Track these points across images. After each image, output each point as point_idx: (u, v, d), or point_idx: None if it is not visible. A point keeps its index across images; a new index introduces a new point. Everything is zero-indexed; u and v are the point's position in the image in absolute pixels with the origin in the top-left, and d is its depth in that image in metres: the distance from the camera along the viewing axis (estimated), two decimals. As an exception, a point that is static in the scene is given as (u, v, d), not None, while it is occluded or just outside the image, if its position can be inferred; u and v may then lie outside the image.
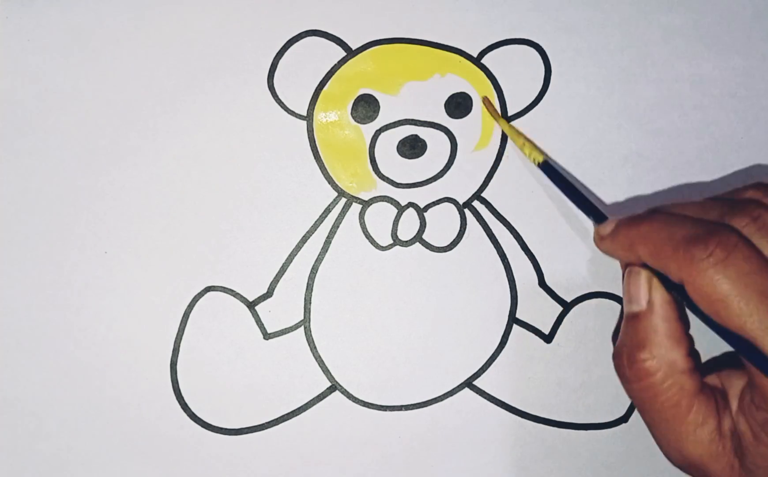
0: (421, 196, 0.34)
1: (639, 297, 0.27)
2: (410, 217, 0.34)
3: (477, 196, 0.35)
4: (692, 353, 0.27)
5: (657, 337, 0.27)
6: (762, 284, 0.24)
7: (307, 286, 0.34)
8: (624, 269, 0.29)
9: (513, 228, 0.35)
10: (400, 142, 0.34)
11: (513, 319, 0.35)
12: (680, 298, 0.26)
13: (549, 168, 0.33)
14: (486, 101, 0.34)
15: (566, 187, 0.32)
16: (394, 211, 0.34)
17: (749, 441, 0.25)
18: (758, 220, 0.25)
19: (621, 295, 0.33)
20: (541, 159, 0.33)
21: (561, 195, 0.34)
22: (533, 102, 0.35)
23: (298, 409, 0.34)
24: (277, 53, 0.34)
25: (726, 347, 0.29)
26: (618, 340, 0.29)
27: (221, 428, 0.34)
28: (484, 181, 0.35)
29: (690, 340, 0.27)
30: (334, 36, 0.34)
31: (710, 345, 0.28)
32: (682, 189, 0.35)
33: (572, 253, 0.35)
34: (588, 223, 0.35)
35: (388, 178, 0.34)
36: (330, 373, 0.34)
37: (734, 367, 0.28)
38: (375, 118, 0.34)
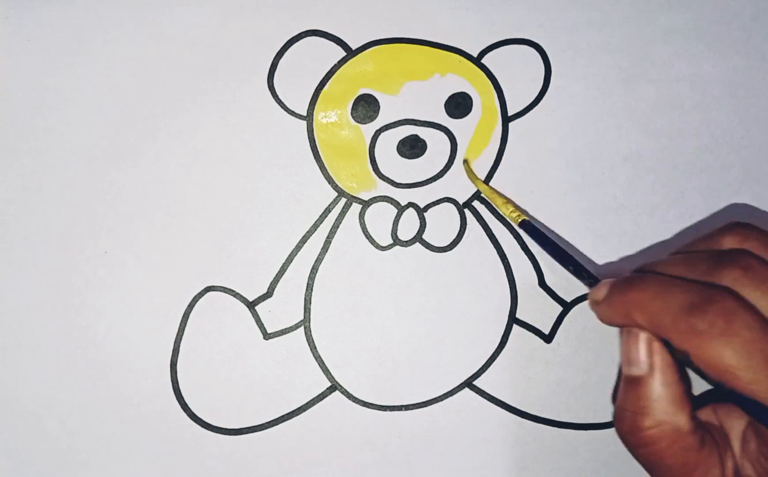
0: (421, 196, 0.34)
1: (639, 360, 0.27)
2: (410, 217, 0.34)
3: (477, 196, 0.35)
4: (693, 414, 0.27)
5: (660, 403, 0.26)
6: (765, 348, 0.23)
7: (307, 286, 0.34)
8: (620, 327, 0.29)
9: (513, 228, 0.35)
10: (400, 142, 0.34)
11: (513, 319, 0.35)
12: (684, 362, 0.26)
13: (530, 227, 0.32)
14: (465, 164, 0.34)
15: (550, 246, 0.32)
16: (394, 211, 0.34)
17: None
18: (748, 273, 0.25)
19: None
20: (520, 219, 0.33)
21: (561, 195, 0.34)
22: (533, 102, 0.35)
23: (298, 409, 0.34)
24: (277, 53, 0.34)
25: None
26: (618, 403, 0.28)
27: (221, 428, 0.34)
28: (484, 181, 0.35)
29: (692, 400, 0.27)
30: (334, 36, 0.34)
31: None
32: (683, 189, 0.35)
33: (572, 253, 0.35)
34: (588, 224, 0.35)
35: (388, 178, 0.34)
36: (330, 373, 0.34)
37: (728, 400, 0.27)
38: (375, 118, 0.34)
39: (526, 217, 0.33)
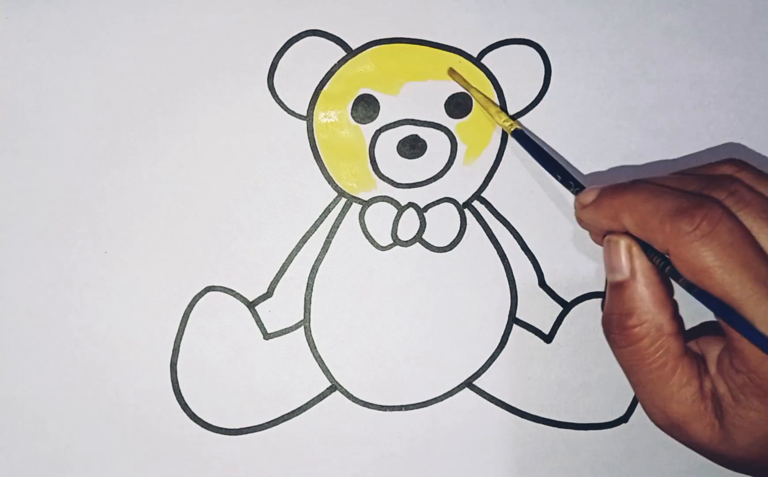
0: (421, 196, 0.34)
1: (621, 266, 0.28)
2: (410, 217, 0.34)
3: (477, 196, 0.35)
4: (677, 317, 0.28)
5: (643, 304, 0.28)
6: (744, 255, 0.25)
7: (307, 286, 0.34)
8: (600, 238, 0.30)
9: (513, 228, 0.35)
10: (400, 142, 0.34)
11: (513, 319, 0.35)
12: (663, 266, 0.27)
13: (523, 137, 0.33)
14: (451, 71, 0.34)
15: (542, 156, 0.32)
16: (394, 211, 0.34)
17: (728, 402, 0.26)
18: (735, 195, 0.26)
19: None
20: (513, 128, 0.33)
21: (561, 195, 0.34)
22: (533, 102, 0.35)
23: (298, 409, 0.34)
24: (277, 53, 0.34)
25: (702, 319, 0.31)
26: (605, 309, 0.29)
27: (221, 428, 0.34)
28: (484, 181, 0.35)
29: (674, 304, 0.28)
30: (334, 36, 0.34)
31: (687, 316, 0.29)
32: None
33: (572, 253, 0.35)
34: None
35: (388, 178, 0.34)
36: (330, 373, 0.34)
37: (711, 334, 0.29)
38: (375, 118, 0.34)
39: (518, 126, 0.33)
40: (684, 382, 0.27)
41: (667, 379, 0.27)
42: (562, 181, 0.32)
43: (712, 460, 0.28)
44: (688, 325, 0.30)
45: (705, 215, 0.25)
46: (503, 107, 0.35)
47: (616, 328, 0.28)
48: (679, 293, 0.28)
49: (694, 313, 0.30)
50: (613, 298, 0.29)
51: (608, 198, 0.29)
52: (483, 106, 0.34)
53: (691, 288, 0.26)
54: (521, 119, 0.35)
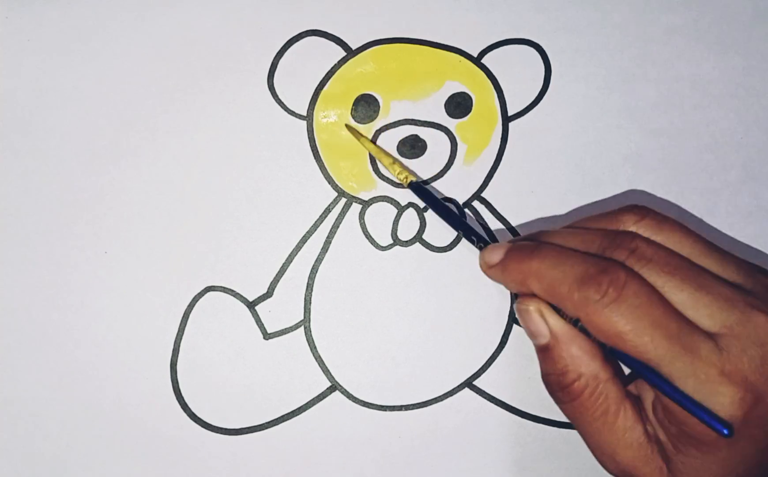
0: (421, 196, 0.34)
1: (540, 331, 0.28)
2: (410, 217, 0.34)
3: (477, 196, 0.35)
4: (609, 360, 0.28)
5: (573, 359, 0.28)
6: (653, 315, 0.25)
7: (307, 286, 0.34)
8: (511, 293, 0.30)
9: (513, 228, 0.35)
10: (400, 142, 0.34)
11: (513, 319, 0.35)
12: (576, 321, 0.27)
13: (419, 188, 0.33)
14: (348, 127, 0.34)
15: (441, 209, 0.32)
16: (394, 211, 0.34)
17: (670, 450, 0.26)
18: (635, 253, 0.26)
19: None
20: (409, 180, 0.33)
21: (561, 195, 0.34)
22: (533, 102, 0.35)
23: (298, 409, 0.34)
24: (277, 53, 0.34)
25: None
26: (541, 371, 0.29)
27: (221, 428, 0.34)
28: (484, 181, 0.35)
29: (603, 348, 0.27)
30: (334, 36, 0.34)
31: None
32: (682, 189, 0.35)
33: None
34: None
35: (388, 178, 0.34)
36: (330, 373, 0.34)
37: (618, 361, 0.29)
38: (375, 118, 0.34)
39: (414, 178, 0.33)
40: (628, 425, 0.27)
41: (611, 425, 0.27)
42: (465, 236, 0.32)
43: None
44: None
45: (611, 281, 0.25)
46: (503, 108, 0.35)
47: (557, 388, 0.28)
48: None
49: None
50: (544, 361, 0.29)
51: (515, 262, 0.29)
52: (376, 157, 0.34)
53: (610, 350, 0.26)
54: (521, 120, 0.35)
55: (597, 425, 0.28)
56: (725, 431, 0.24)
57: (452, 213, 0.32)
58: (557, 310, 0.28)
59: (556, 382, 0.28)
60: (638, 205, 0.29)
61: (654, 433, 0.27)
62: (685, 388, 0.25)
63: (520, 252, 0.29)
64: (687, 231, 0.28)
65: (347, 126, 0.34)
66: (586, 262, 0.27)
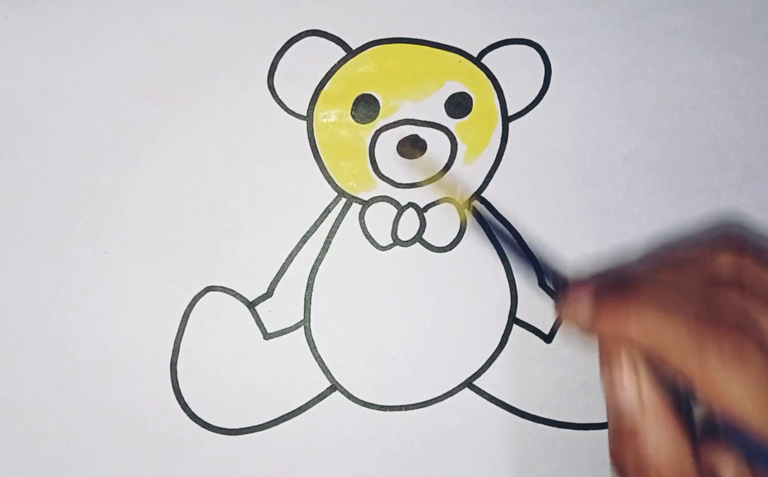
0: (421, 196, 0.34)
1: (627, 394, 0.24)
2: (410, 217, 0.34)
3: (477, 196, 0.35)
4: (696, 440, 0.24)
5: (661, 451, 0.24)
6: None
7: (307, 286, 0.34)
8: (584, 332, 0.26)
9: (513, 228, 0.35)
10: (400, 142, 0.34)
11: (513, 319, 0.35)
12: (678, 387, 0.24)
13: (480, 218, 0.32)
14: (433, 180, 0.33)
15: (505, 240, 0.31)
16: (394, 211, 0.34)
17: None
18: (749, 308, 0.23)
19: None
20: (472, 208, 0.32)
21: (561, 195, 0.34)
22: (533, 102, 0.35)
23: (298, 409, 0.34)
24: (277, 53, 0.34)
25: None
26: (613, 447, 0.25)
27: (221, 428, 0.34)
28: (484, 181, 0.35)
29: (693, 426, 0.25)
30: (334, 36, 0.34)
31: None
32: (683, 189, 0.35)
33: (572, 253, 0.35)
34: (588, 224, 0.35)
35: (388, 178, 0.34)
36: (330, 373, 0.34)
37: (716, 436, 0.26)
38: (375, 118, 0.34)
39: (476, 206, 0.32)
40: None
41: None
42: (536, 273, 0.29)
43: None
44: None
45: (732, 340, 0.22)
46: (503, 107, 0.35)
47: (633, 465, 0.24)
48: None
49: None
50: (621, 440, 0.25)
51: (610, 310, 0.25)
52: (439, 189, 0.33)
53: (714, 416, 0.23)
54: (521, 120, 0.35)
55: None
56: None
57: (516, 246, 0.30)
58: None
59: (633, 469, 0.24)
60: (733, 235, 0.26)
61: None
62: None
63: (614, 294, 0.25)
64: None
65: (427, 179, 0.33)
66: (698, 314, 0.23)
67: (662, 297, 0.24)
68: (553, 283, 0.29)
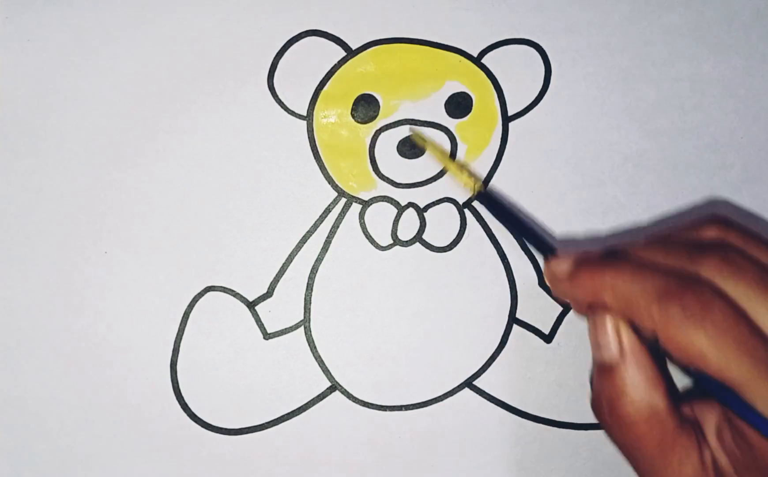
0: (421, 196, 0.34)
1: (609, 346, 0.26)
2: (410, 217, 0.34)
3: (477, 196, 0.35)
4: (670, 391, 0.27)
5: (634, 385, 0.26)
6: (739, 335, 0.24)
7: (307, 286, 0.34)
8: (580, 308, 0.28)
9: (513, 228, 0.35)
10: (400, 142, 0.34)
11: (513, 319, 0.35)
12: (652, 343, 0.26)
13: (488, 197, 0.32)
14: (415, 135, 0.34)
15: (505, 215, 0.32)
16: (394, 211, 0.34)
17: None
18: (728, 264, 0.25)
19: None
20: (478, 186, 0.32)
21: (561, 195, 0.34)
22: (533, 102, 0.35)
23: (298, 409, 0.34)
24: (277, 53, 0.34)
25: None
26: (593, 389, 0.28)
27: (221, 428, 0.34)
28: (484, 181, 0.35)
29: (668, 379, 0.27)
30: (334, 36, 0.34)
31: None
32: (683, 189, 0.35)
33: (572, 252, 0.35)
34: (588, 224, 0.35)
35: (388, 178, 0.34)
36: (330, 373, 0.34)
37: (705, 397, 0.28)
38: (375, 118, 0.34)
39: (481, 188, 0.32)
40: (683, 458, 0.26)
41: (665, 458, 0.26)
42: (533, 246, 0.31)
43: None
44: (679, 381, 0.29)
45: (695, 297, 0.24)
46: (503, 107, 0.35)
47: (608, 412, 0.27)
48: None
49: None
50: (602, 380, 0.27)
51: (586, 274, 0.27)
52: (441, 162, 0.33)
53: (687, 370, 0.25)
54: (521, 120, 0.35)
55: (649, 456, 0.26)
56: None
57: (519, 222, 0.31)
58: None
59: (608, 407, 0.27)
60: (719, 215, 0.27)
61: (712, 460, 0.26)
62: (767, 413, 0.23)
63: (592, 263, 0.27)
64: None
65: (414, 133, 0.33)
66: (667, 275, 0.25)
67: (639, 267, 0.26)
68: (541, 248, 0.30)
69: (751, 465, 0.24)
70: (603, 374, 0.27)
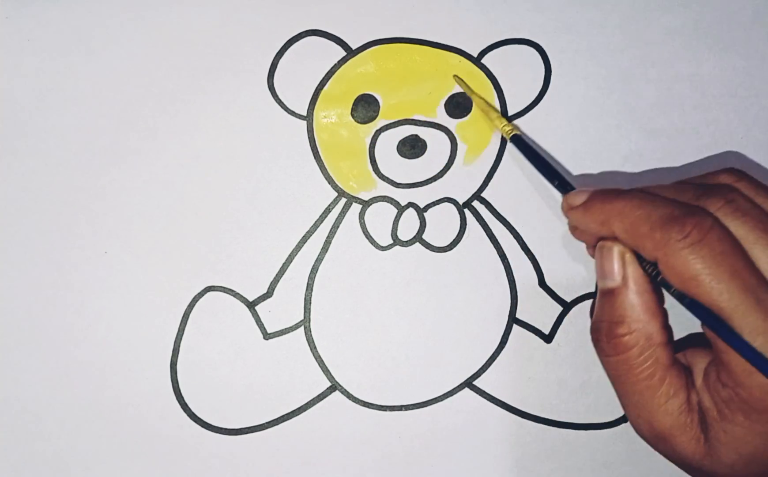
0: (421, 196, 0.34)
1: (613, 272, 0.28)
2: (410, 217, 0.34)
3: (477, 196, 0.35)
4: (667, 326, 0.28)
5: (633, 312, 0.27)
6: (733, 264, 0.25)
7: (307, 286, 0.34)
8: (593, 251, 0.29)
9: (513, 228, 0.35)
10: (400, 142, 0.34)
11: (513, 319, 0.35)
12: (655, 275, 0.27)
13: (522, 143, 0.33)
14: (456, 76, 0.34)
15: (539, 161, 0.32)
16: (394, 211, 0.34)
17: (713, 417, 0.26)
18: (732, 204, 0.26)
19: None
20: (512, 133, 0.33)
21: (561, 195, 0.34)
22: (533, 102, 0.35)
23: (298, 409, 0.34)
24: (277, 53, 0.34)
25: (690, 330, 0.30)
26: (594, 315, 0.29)
27: (221, 428, 0.34)
28: (484, 181, 0.35)
29: (664, 313, 0.28)
30: (334, 36, 0.34)
31: (676, 327, 0.29)
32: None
33: (572, 253, 0.35)
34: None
35: (388, 178, 0.34)
36: (330, 373, 0.34)
37: (698, 346, 0.29)
38: (375, 118, 0.34)
39: (518, 132, 0.33)
40: (671, 393, 0.27)
41: (654, 390, 0.27)
42: (558, 187, 0.31)
43: (696, 476, 0.27)
44: (677, 335, 0.30)
45: (695, 223, 0.25)
46: (503, 108, 0.35)
47: (605, 336, 0.28)
48: (669, 303, 0.28)
49: (683, 324, 0.29)
50: (603, 305, 0.28)
51: (599, 202, 0.28)
52: (483, 111, 0.34)
53: (682, 297, 0.26)
54: (521, 120, 0.35)
55: (639, 387, 0.27)
56: None
57: (548, 165, 0.32)
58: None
59: (606, 330, 0.28)
60: (735, 168, 0.28)
61: (697, 403, 0.27)
62: (753, 343, 0.24)
63: (605, 193, 0.28)
64: None
65: (456, 78, 0.34)
66: (672, 204, 0.26)
67: (646, 199, 0.27)
68: (560, 186, 0.31)
69: (733, 399, 0.25)
70: (604, 299, 0.28)
